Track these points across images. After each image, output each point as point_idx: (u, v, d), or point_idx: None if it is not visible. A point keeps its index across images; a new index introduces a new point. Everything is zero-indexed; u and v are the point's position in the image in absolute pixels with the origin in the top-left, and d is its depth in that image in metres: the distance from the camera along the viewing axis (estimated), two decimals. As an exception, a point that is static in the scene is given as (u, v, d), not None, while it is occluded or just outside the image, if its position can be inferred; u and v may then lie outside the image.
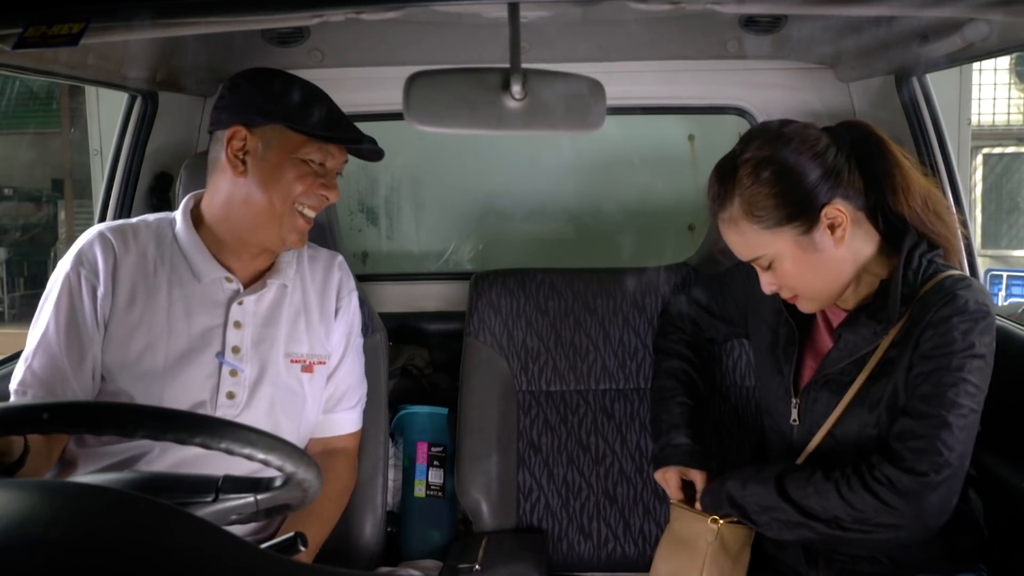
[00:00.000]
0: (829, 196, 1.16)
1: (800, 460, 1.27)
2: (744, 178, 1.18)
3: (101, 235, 1.33)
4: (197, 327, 1.32)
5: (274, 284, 1.38)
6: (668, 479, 1.42)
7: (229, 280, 1.35)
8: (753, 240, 1.19)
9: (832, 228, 1.17)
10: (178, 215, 1.38)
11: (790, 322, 1.30)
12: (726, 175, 1.21)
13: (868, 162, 1.21)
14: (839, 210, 1.16)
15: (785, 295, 1.24)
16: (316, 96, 1.33)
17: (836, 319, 1.27)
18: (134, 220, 1.39)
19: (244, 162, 1.30)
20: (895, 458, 1.13)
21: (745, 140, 1.23)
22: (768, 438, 1.39)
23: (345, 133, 1.33)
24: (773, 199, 1.16)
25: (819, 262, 1.18)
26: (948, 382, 1.11)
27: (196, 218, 1.37)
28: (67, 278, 1.30)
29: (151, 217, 1.41)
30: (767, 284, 1.23)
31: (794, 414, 1.28)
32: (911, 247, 1.19)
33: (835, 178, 1.17)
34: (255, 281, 1.38)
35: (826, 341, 1.29)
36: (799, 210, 1.16)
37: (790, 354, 1.29)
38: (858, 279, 1.22)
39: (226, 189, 1.32)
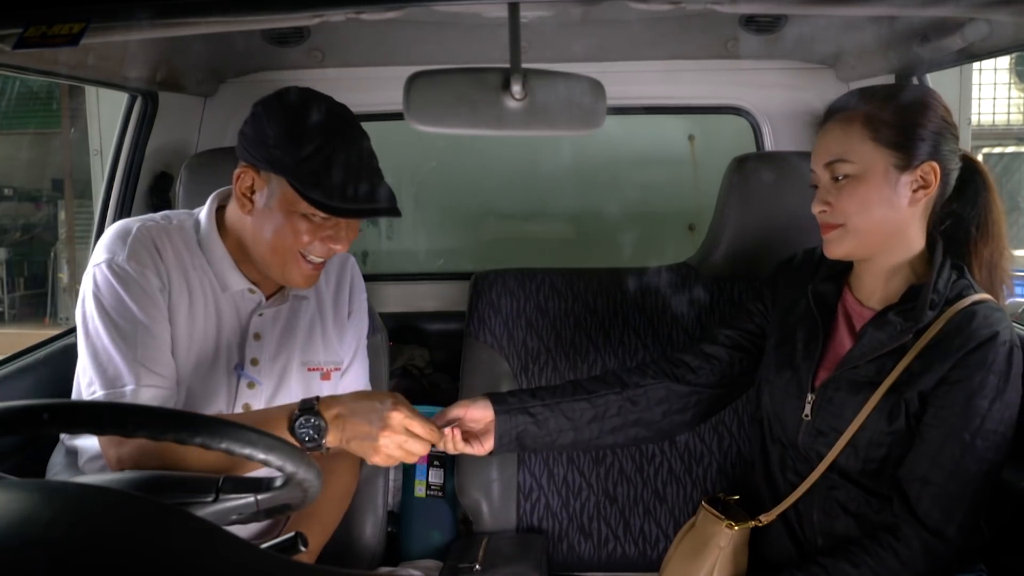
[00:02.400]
0: (935, 158, 1.20)
1: (816, 475, 1.25)
2: (882, 93, 1.24)
3: (145, 229, 1.26)
4: (217, 337, 1.29)
5: (293, 295, 1.36)
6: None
7: (252, 292, 1.32)
8: (853, 144, 1.21)
9: (918, 188, 1.20)
10: (203, 217, 1.32)
11: (815, 316, 1.30)
12: (867, 88, 1.28)
13: (970, 192, 1.26)
14: (935, 172, 1.20)
15: (830, 220, 1.24)
16: (332, 150, 1.18)
17: (859, 321, 1.27)
18: (158, 218, 1.31)
19: (252, 201, 1.24)
20: (919, 510, 1.14)
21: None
22: (769, 439, 1.38)
23: (354, 203, 1.19)
24: (895, 118, 1.20)
25: (885, 202, 1.20)
26: (979, 433, 1.13)
27: (219, 220, 1.31)
28: (129, 272, 1.22)
29: (173, 215, 1.33)
30: (820, 203, 1.24)
31: (807, 409, 1.27)
32: (942, 262, 1.21)
33: (946, 155, 1.21)
34: (276, 292, 1.35)
35: (845, 342, 1.28)
36: (908, 144, 1.19)
37: (812, 350, 1.29)
38: (890, 273, 1.24)
39: (240, 217, 1.28)
